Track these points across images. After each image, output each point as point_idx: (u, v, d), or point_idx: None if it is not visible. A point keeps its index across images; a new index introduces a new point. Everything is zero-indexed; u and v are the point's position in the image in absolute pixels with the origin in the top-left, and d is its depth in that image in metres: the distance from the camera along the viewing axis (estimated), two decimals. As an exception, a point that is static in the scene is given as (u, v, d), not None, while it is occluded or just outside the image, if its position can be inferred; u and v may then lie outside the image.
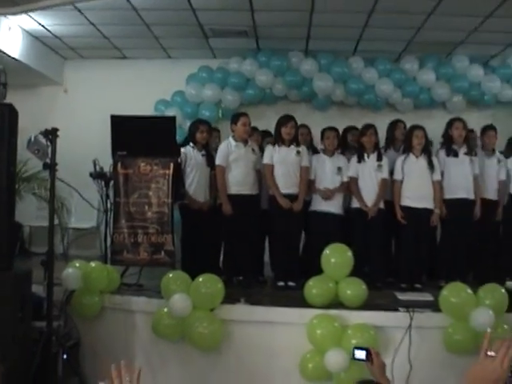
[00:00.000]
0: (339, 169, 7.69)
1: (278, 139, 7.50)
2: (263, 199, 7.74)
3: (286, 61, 10.14)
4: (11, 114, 5.11)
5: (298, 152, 7.44)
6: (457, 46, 9.80)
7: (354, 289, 6.27)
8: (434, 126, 8.18)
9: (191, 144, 7.75)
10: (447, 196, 7.63)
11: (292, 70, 10.14)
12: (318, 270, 6.45)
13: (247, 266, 7.53)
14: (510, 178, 8.09)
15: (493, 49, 9.93)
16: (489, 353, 2.29)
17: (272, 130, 7.79)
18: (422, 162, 7.55)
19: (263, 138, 8.36)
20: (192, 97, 10.26)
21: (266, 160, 7.49)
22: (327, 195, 7.59)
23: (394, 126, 8.29)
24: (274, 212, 7.50)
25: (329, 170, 7.69)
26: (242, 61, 10.23)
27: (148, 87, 10.34)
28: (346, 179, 7.69)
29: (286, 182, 7.41)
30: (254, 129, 8.09)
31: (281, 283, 7.39)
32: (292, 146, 7.47)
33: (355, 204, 7.69)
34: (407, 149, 7.63)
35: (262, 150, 7.79)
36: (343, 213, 7.76)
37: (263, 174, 7.60)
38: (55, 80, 10.69)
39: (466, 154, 7.69)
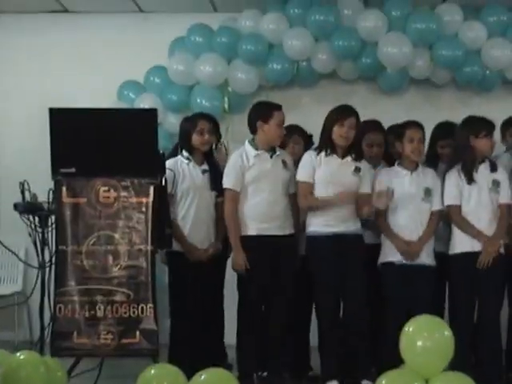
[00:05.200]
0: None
1: (325, 144, 6.28)
2: (302, 242, 6.35)
3: (334, 14, 8.10)
4: None
5: (357, 169, 6.24)
6: None
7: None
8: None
9: (184, 153, 6.49)
10: None
11: (344, 29, 8.18)
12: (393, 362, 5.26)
13: (276, 352, 6.16)
14: None
15: None
16: None
17: (310, 127, 6.76)
18: None
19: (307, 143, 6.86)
20: (179, 76, 8.42)
21: (301, 176, 6.32)
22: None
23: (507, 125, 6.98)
24: (318, 259, 6.12)
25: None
26: (260, 15, 8.34)
27: (106, 61, 8.52)
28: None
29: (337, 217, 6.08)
30: (294, 128, 6.67)
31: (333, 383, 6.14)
32: (348, 158, 6.26)
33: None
34: None
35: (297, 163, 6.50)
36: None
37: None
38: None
39: None
